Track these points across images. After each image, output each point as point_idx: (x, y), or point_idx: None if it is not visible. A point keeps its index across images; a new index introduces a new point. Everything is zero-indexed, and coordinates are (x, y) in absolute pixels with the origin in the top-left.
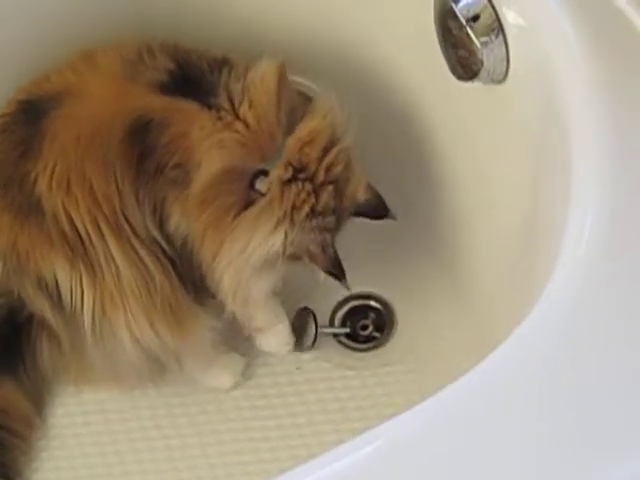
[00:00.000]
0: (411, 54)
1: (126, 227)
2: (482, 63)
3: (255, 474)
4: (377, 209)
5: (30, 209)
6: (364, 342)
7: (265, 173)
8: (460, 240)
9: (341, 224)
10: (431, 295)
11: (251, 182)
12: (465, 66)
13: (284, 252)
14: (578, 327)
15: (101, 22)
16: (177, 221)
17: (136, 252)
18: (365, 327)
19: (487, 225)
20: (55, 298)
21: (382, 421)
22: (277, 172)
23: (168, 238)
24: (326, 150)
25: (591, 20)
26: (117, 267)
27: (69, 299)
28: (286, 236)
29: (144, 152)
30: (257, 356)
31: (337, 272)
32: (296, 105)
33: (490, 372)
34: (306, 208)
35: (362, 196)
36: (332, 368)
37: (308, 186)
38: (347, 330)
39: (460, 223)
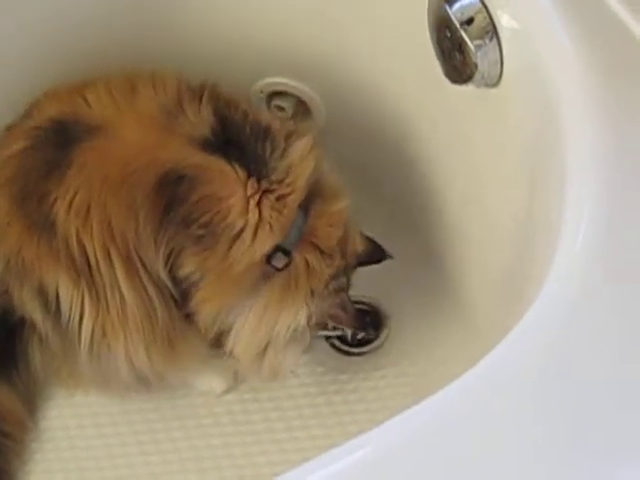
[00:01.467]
0: (404, 59)
1: (137, 262)
2: (476, 66)
3: (248, 478)
4: (374, 255)
5: (44, 227)
6: (357, 346)
7: (283, 251)
8: (455, 243)
9: (350, 280)
10: (425, 299)
11: (268, 257)
12: (459, 70)
13: (309, 324)
14: (574, 328)
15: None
16: (189, 272)
17: (143, 285)
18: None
19: (482, 227)
20: (52, 309)
21: (375, 425)
22: (302, 253)
23: (175, 280)
24: (340, 227)
25: (584, 22)
26: (122, 296)
27: (67, 314)
28: (309, 309)
29: (171, 203)
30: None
31: (361, 325)
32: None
33: (485, 375)
34: (325, 278)
35: (360, 248)
36: (325, 372)
37: (327, 260)
38: (339, 333)
39: (455, 226)
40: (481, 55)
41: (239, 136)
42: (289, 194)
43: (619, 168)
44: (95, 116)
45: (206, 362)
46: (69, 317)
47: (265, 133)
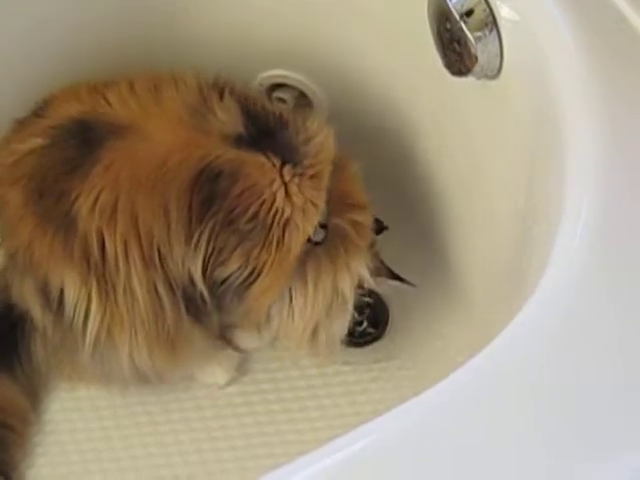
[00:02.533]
0: (405, 52)
1: (156, 262)
2: (476, 58)
3: (250, 470)
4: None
5: (60, 223)
6: (359, 338)
7: (322, 225)
8: (455, 236)
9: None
10: (426, 291)
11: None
12: (459, 61)
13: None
14: (572, 320)
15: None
16: (234, 269)
17: (155, 286)
18: (360, 323)
19: (482, 221)
20: (54, 305)
21: (376, 417)
22: (342, 216)
23: (208, 281)
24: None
25: (584, 15)
26: (134, 296)
27: (72, 312)
28: (366, 261)
29: (210, 199)
30: (252, 352)
31: (398, 275)
32: None
33: (484, 367)
34: (368, 229)
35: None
36: (327, 364)
37: (364, 213)
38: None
39: (455, 220)
40: (481, 47)
41: (267, 127)
42: (322, 170)
43: (619, 161)
44: (120, 116)
45: (209, 355)
46: (73, 315)
47: (285, 120)
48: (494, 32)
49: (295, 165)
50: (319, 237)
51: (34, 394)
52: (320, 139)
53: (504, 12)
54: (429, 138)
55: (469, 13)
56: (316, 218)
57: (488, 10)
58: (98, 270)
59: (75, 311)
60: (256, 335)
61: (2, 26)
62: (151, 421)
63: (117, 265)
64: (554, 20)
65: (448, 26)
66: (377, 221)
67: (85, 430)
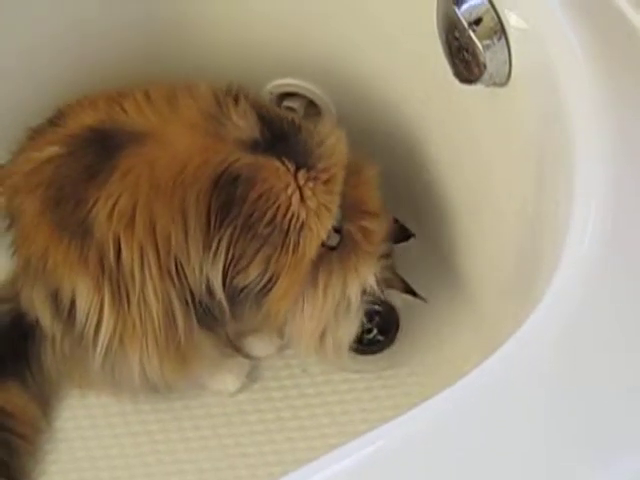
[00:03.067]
0: (413, 60)
1: (172, 270)
2: (485, 66)
3: (260, 477)
4: (401, 234)
5: (77, 230)
6: (368, 345)
7: (336, 229)
8: (464, 243)
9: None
10: (435, 298)
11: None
12: (468, 69)
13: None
14: (582, 325)
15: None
16: (256, 275)
17: (169, 295)
18: (369, 330)
19: (491, 227)
20: (64, 313)
21: (385, 424)
22: (354, 222)
23: (228, 289)
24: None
25: (593, 22)
26: (147, 305)
27: (84, 320)
28: (375, 269)
29: (229, 204)
30: (262, 359)
31: (411, 289)
32: None
33: (491, 374)
34: (380, 238)
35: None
36: (336, 371)
37: (377, 220)
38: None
39: (464, 226)
40: (489, 55)
41: (281, 131)
42: (336, 174)
43: (627, 167)
44: (137, 124)
45: (219, 363)
46: (85, 322)
47: (297, 125)
48: (502, 40)
49: (309, 169)
50: (333, 242)
51: (45, 402)
52: (332, 142)
53: (512, 20)
54: (437, 146)
55: (477, 21)
56: (330, 222)
57: (496, 18)
58: (113, 278)
59: (87, 319)
60: (267, 342)
61: (11, 39)
62: (162, 428)
63: (132, 273)
64: (562, 28)
65: (457, 34)
66: (402, 228)
67: (96, 437)
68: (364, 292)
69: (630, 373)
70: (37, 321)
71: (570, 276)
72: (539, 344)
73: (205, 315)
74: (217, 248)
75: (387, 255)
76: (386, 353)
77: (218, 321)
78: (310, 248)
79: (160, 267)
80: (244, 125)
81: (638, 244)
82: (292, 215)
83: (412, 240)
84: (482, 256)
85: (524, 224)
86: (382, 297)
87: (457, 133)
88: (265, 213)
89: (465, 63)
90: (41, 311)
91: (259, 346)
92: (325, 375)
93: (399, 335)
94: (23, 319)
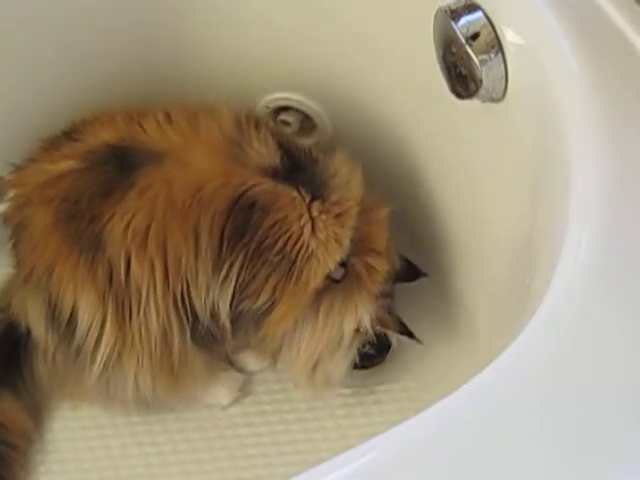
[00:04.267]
0: (409, 74)
1: (178, 290)
2: (481, 81)
3: None
4: (410, 273)
5: (89, 245)
6: (361, 360)
7: (343, 264)
8: (457, 256)
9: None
10: (428, 313)
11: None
12: (464, 85)
13: (371, 325)
14: (575, 339)
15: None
16: (264, 300)
17: (168, 314)
18: (362, 346)
19: (485, 242)
20: (61, 326)
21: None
22: (360, 258)
23: (233, 313)
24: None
25: (589, 38)
26: (147, 323)
27: (84, 334)
28: (372, 308)
29: (243, 229)
30: (255, 373)
31: (407, 331)
32: None
33: (488, 384)
34: (382, 278)
35: (398, 264)
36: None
37: (382, 259)
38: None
39: (458, 240)
40: (486, 70)
41: (300, 161)
42: (350, 208)
43: (622, 183)
44: (157, 143)
45: (212, 377)
46: (85, 337)
47: (314, 156)
48: (499, 55)
49: (324, 201)
50: (338, 275)
51: (37, 412)
52: (347, 176)
53: (509, 36)
54: (432, 161)
55: (475, 36)
56: (339, 255)
57: (493, 34)
58: (118, 294)
59: (88, 333)
60: (260, 357)
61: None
62: (153, 441)
63: (139, 291)
64: (559, 43)
65: (454, 50)
66: (412, 266)
67: (87, 449)
68: (357, 330)
69: (626, 384)
70: (29, 331)
71: (565, 290)
72: (533, 356)
73: (205, 335)
74: (228, 272)
75: (387, 295)
76: (379, 368)
77: (217, 341)
78: (315, 278)
79: (166, 288)
80: (265, 152)
81: (632, 259)
82: (302, 245)
83: (406, 255)
84: (477, 271)
85: (519, 239)
86: (374, 339)
87: (452, 148)
88: (277, 241)
89: (461, 78)
90: (35, 321)
91: (252, 361)
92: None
93: (392, 350)
94: (16, 330)
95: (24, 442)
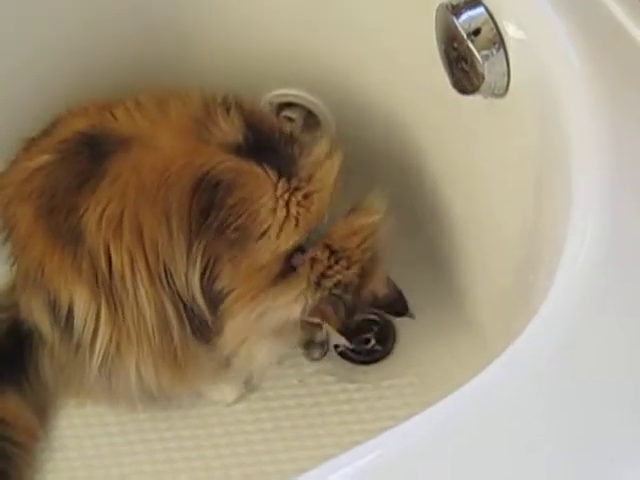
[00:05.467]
0: (412, 71)
1: (163, 276)
2: (483, 77)
3: None
4: (395, 306)
5: (70, 239)
6: (366, 356)
7: (302, 250)
8: (461, 253)
9: (356, 309)
10: (432, 309)
11: (288, 256)
12: (467, 80)
13: (301, 318)
14: (577, 337)
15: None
16: (225, 281)
17: (162, 302)
18: (367, 341)
19: (488, 240)
20: (62, 322)
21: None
22: (315, 252)
23: (206, 295)
24: (365, 240)
25: (590, 33)
26: (140, 311)
27: (81, 328)
28: (307, 303)
29: (208, 209)
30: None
31: (347, 334)
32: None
33: (490, 382)
34: (335, 279)
35: (382, 291)
36: (334, 381)
37: (335, 259)
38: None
39: (461, 237)
40: (488, 66)
41: (269, 140)
42: (317, 191)
43: (625, 177)
44: (126, 129)
45: (216, 373)
46: (82, 330)
47: (292, 137)
48: (501, 51)
49: (289, 180)
50: (296, 262)
51: (42, 411)
52: (322, 156)
53: (511, 31)
54: (435, 157)
55: (476, 32)
56: (294, 237)
57: (495, 29)
58: (106, 285)
59: (84, 327)
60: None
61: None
62: (159, 438)
63: (124, 280)
64: (560, 38)
65: (455, 45)
66: (401, 301)
67: (93, 447)
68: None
69: (628, 383)
70: (35, 330)
71: (568, 287)
72: (536, 354)
73: (201, 325)
74: (195, 253)
75: (339, 298)
76: (383, 364)
77: (213, 332)
78: (263, 256)
79: (150, 272)
80: (229, 130)
81: (636, 254)
82: (260, 222)
83: (409, 252)
84: (480, 267)
85: (522, 235)
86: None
87: (455, 143)
88: (237, 219)
89: (464, 74)
90: (40, 320)
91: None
92: (322, 386)
93: (397, 346)
94: (20, 328)
95: (30, 440)
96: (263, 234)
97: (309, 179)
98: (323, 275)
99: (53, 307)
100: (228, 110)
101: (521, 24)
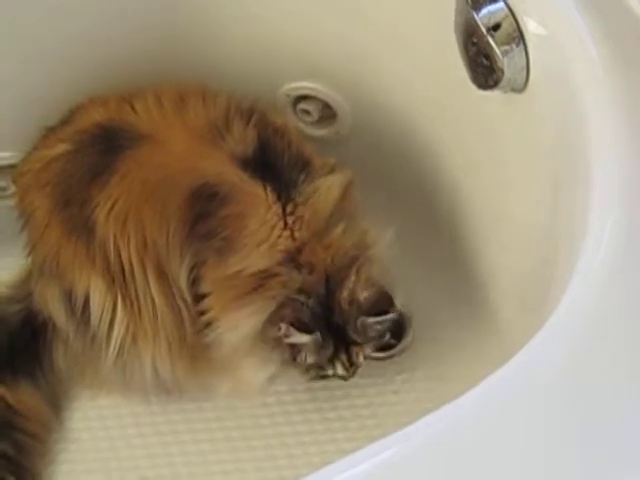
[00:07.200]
0: (431, 65)
1: (167, 272)
2: (503, 72)
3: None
4: (378, 304)
5: (83, 231)
6: (380, 350)
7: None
8: (478, 248)
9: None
10: (448, 303)
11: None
12: (486, 75)
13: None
14: (596, 335)
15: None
16: (207, 286)
17: (173, 295)
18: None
19: (508, 233)
20: (77, 312)
21: (398, 429)
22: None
23: (194, 297)
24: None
25: (610, 28)
26: (154, 305)
27: (98, 319)
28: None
29: (201, 216)
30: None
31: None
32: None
33: (505, 381)
34: (292, 287)
35: (363, 294)
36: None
37: (298, 271)
38: None
39: (479, 231)
40: (508, 61)
41: (276, 161)
42: (307, 218)
43: None
44: (143, 125)
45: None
46: (99, 322)
47: (304, 164)
48: (521, 46)
49: (285, 205)
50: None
51: (56, 402)
52: (323, 185)
53: (531, 26)
54: (454, 153)
55: (496, 27)
56: (266, 262)
57: (515, 24)
58: (119, 278)
59: (101, 318)
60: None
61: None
62: (173, 430)
63: (133, 274)
64: (580, 34)
65: (475, 40)
66: (388, 299)
67: (107, 438)
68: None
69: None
70: (49, 320)
71: (585, 285)
72: (552, 354)
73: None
74: (186, 255)
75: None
76: (398, 358)
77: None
78: (236, 270)
79: (155, 268)
80: (240, 141)
81: None
82: (242, 238)
83: (428, 251)
84: (497, 262)
85: (540, 230)
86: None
87: (473, 139)
88: (224, 230)
89: (483, 69)
90: (56, 310)
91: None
92: (337, 380)
93: (412, 340)
94: (35, 319)
95: (43, 431)
96: (242, 249)
97: (303, 203)
98: (283, 286)
99: (69, 298)
100: (248, 120)
101: (541, 19)
